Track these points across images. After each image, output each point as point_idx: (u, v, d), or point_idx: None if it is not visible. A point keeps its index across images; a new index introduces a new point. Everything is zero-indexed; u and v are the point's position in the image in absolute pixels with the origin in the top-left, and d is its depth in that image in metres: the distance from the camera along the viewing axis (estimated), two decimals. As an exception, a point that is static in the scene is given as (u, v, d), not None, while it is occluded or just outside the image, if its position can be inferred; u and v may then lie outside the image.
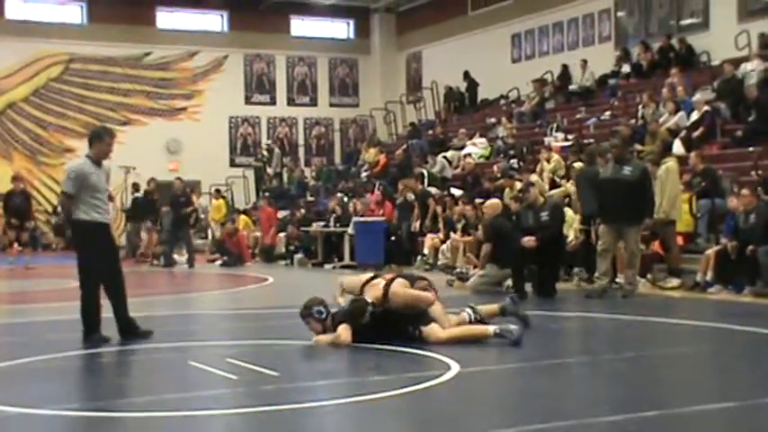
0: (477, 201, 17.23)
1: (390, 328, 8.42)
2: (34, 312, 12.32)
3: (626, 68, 23.34)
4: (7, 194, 21.10)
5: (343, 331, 8.39)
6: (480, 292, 13.28)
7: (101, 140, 9.16)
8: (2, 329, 10.74)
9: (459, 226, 17.52)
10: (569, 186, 16.31)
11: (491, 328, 8.40)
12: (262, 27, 32.52)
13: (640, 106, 19.88)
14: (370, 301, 8.52)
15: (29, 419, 5.95)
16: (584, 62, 24.56)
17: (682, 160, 15.58)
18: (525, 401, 6.36)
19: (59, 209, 9.63)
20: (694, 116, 17.77)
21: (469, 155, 22.92)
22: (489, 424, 5.65)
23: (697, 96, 18.35)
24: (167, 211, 21.68)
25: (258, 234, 23.97)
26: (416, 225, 19.69)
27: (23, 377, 7.51)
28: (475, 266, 14.81)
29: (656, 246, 14.04)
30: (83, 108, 30.77)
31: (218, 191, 28.06)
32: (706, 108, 17.65)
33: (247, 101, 33.23)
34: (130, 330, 9.09)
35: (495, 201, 14.75)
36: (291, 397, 6.41)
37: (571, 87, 24.82)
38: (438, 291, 9.00)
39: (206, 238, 26.63)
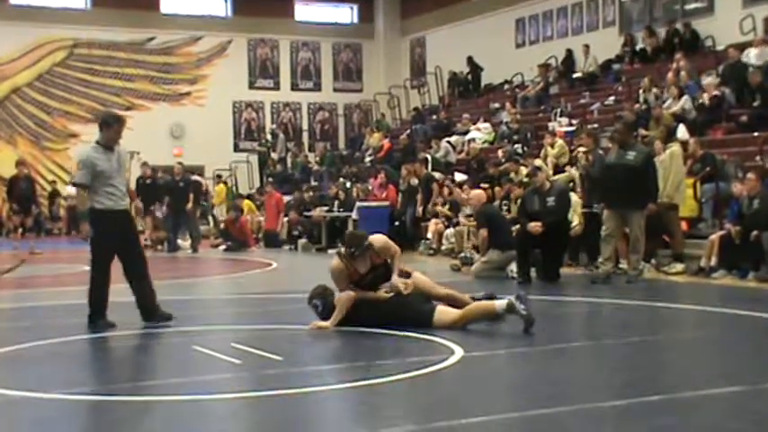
0: (483, 185, 17.28)
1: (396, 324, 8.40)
2: (38, 297, 12.34)
3: (629, 53, 23.28)
4: (12, 180, 21.06)
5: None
6: (483, 278, 13.27)
7: (109, 127, 9.06)
8: (6, 314, 10.77)
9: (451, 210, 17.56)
10: (573, 171, 16.31)
11: (498, 305, 8.35)
12: (265, 12, 32.45)
13: (641, 91, 19.87)
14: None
15: (32, 403, 5.96)
16: (587, 47, 24.52)
17: (686, 145, 15.55)
18: (529, 386, 6.37)
19: (75, 201, 9.47)
20: (701, 101, 17.76)
21: (473, 140, 22.90)
22: (493, 408, 5.66)
23: (707, 80, 18.31)
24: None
25: (261, 219, 23.97)
26: (420, 210, 19.67)
27: (28, 361, 7.53)
28: (478, 251, 14.79)
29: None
30: (87, 93, 30.76)
31: (218, 176, 28.04)
32: (715, 92, 17.62)
33: (251, 86, 33.21)
34: (152, 313, 9.06)
35: (479, 191, 14.85)
36: (295, 382, 6.42)
37: (575, 75, 24.76)
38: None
39: (207, 224, 26.62)
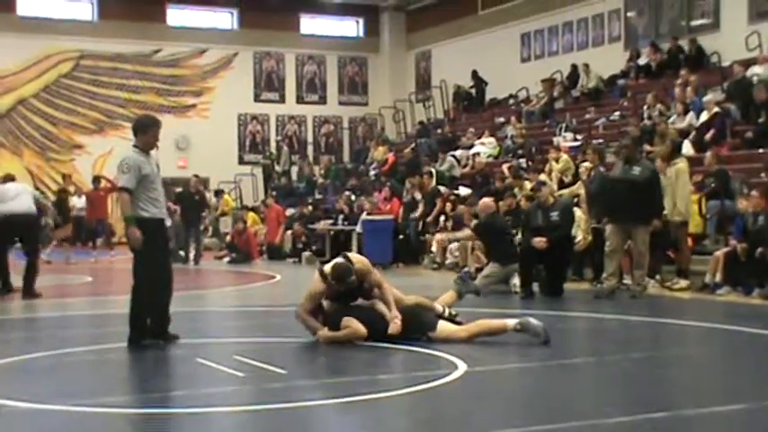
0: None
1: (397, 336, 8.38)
2: (43, 307, 12.33)
3: (634, 68, 23.30)
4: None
5: (354, 323, 8.34)
6: (486, 293, 13.20)
7: (146, 132, 8.59)
8: (11, 324, 10.77)
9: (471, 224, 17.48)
10: (576, 188, 16.28)
11: (510, 323, 8.33)
12: (271, 25, 32.53)
13: (645, 107, 19.87)
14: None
15: (36, 414, 5.95)
16: (586, 66, 24.56)
17: (691, 161, 15.53)
18: (532, 401, 6.35)
19: (117, 207, 8.57)
20: (704, 117, 17.76)
21: (478, 154, 22.91)
22: (496, 424, 5.64)
23: (708, 97, 18.31)
24: (176, 208, 21.63)
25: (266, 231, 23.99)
26: (420, 224, 19.64)
27: (32, 372, 7.53)
28: (479, 269, 14.69)
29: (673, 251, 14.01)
30: (93, 104, 30.79)
31: (218, 191, 28.02)
32: (716, 109, 17.62)
33: (256, 98, 33.24)
34: (160, 331, 8.60)
35: (487, 200, 14.69)
36: (298, 395, 6.42)
37: (574, 93, 24.78)
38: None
39: (212, 236, 26.58)
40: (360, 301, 8.70)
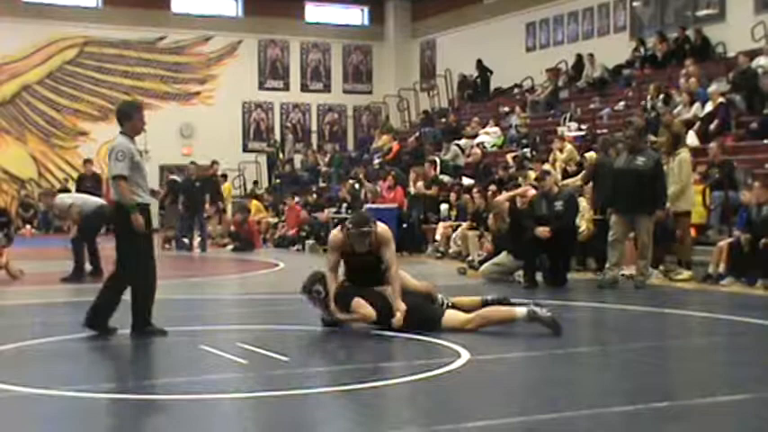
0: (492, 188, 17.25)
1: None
2: (46, 294, 12.35)
3: (639, 58, 23.25)
4: (79, 178, 21.65)
5: (363, 308, 8.35)
6: (492, 280, 13.25)
7: (131, 117, 8.58)
8: (13, 311, 10.79)
9: (470, 214, 17.50)
10: (579, 178, 16.25)
11: (519, 313, 8.29)
12: (276, 12, 32.50)
13: (648, 97, 19.83)
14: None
15: (39, 400, 5.97)
16: (591, 56, 24.50)
17: (695, 151, 15.47)
18: (535, 390, 6.36)
19: (115, 196, 8.38)
20: (709, 107, 17.73)
21: (482, 143, 22.89)
22: (498, 412, 5.65)
23: (712, 87, 18.27)
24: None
25: (270, 220, 24.00)
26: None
27: (35, 358, 7.54)
28: (488, 258, 14.66)
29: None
30: (97, 91, 30.80)
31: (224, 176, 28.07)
32: (720, 100, 17.58)
33: (261, 86, 33.24)
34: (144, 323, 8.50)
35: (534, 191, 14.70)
36: (301, 382, 6.43)
37: (579, 83, 24.72)
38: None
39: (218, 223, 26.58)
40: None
